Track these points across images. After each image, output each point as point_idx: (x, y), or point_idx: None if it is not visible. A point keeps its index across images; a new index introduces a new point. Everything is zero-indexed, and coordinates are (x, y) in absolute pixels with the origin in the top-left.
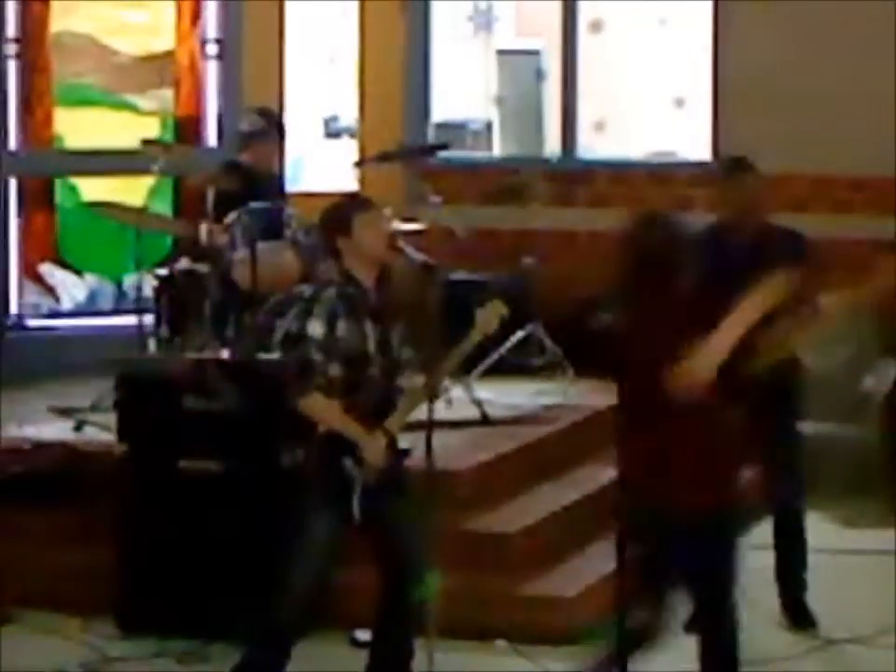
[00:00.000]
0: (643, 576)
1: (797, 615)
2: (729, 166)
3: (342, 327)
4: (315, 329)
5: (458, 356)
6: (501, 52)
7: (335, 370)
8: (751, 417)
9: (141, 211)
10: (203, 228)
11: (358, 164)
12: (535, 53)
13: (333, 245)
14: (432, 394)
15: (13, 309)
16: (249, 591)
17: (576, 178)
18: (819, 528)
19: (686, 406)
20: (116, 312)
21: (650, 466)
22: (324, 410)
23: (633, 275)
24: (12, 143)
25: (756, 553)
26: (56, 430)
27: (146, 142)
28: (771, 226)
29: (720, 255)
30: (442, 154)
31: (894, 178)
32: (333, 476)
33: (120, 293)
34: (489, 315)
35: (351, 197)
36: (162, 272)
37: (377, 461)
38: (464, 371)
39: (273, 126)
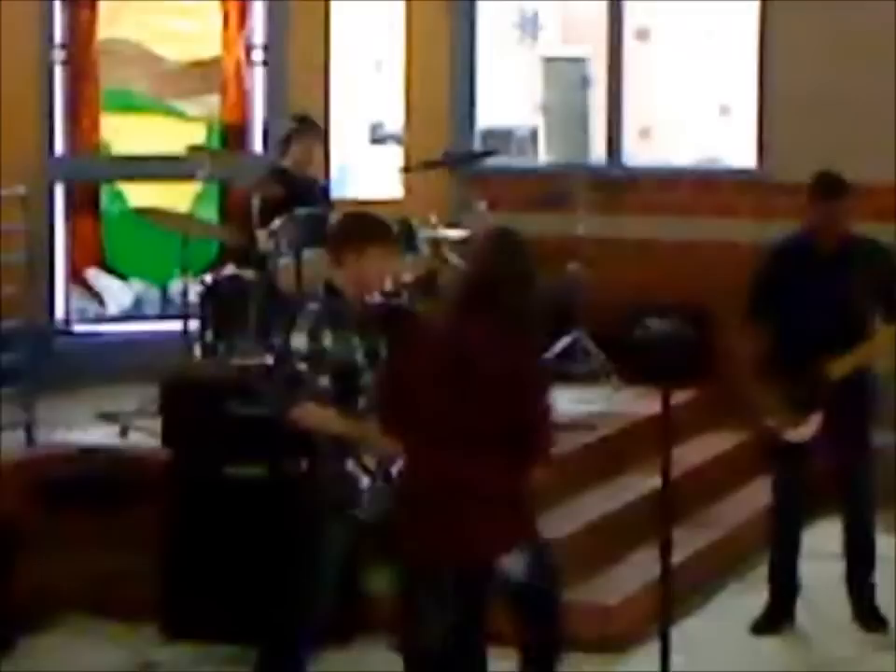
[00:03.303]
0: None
1: (869, 619)
2: (828, 188)
3: (327, 339)
4: (300, 342)
5: None
6: (547, 59)
7: (324, 381)
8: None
9: (187, 217)
10: (260, 235)
11: (404, 171)
12: (581, 61)
13: (339, 255)
14: None
15: (59, 314)
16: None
17: (621, 186)
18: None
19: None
20: (161, 317)
21: None
22: (318, 417)
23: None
24: (59, 148)
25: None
26: (102, 435)
27: (192, 148)
28: (856, 236)
29: (807, 262)
30: (488, 161)
31: None
32: (339, 481)
33: (166, 299)
34: None
35: (373, 219)
36: (208, 278)
37: (384, 448)
38: None
39: (306, 128)
